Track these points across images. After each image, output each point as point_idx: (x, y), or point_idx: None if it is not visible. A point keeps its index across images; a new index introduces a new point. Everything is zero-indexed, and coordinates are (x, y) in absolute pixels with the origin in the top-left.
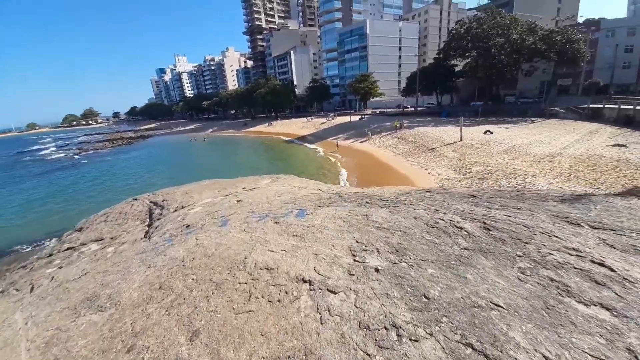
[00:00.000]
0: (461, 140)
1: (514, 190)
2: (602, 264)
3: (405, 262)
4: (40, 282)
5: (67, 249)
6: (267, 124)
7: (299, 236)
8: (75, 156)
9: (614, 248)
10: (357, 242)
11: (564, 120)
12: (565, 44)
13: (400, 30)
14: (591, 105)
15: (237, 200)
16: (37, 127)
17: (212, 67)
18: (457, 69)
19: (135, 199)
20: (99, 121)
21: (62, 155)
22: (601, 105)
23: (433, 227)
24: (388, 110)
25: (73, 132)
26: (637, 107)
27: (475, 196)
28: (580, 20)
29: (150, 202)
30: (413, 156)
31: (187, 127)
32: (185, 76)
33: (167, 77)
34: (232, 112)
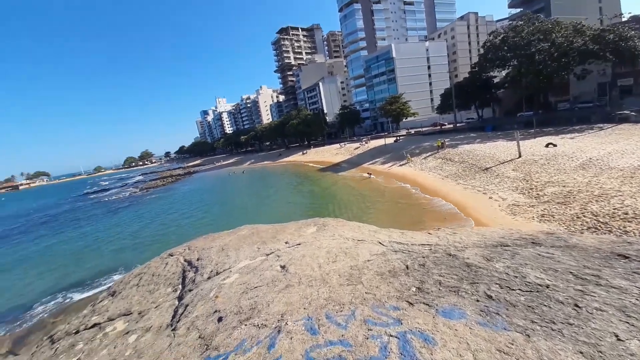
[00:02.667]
0: (520, 156)
1: None
2: None
3: None
4: None
5: (94, 325)
6: (300, 153)
7: None
8: (132, 195)
9: None
10: None
11: (638, 125)
12: (620, 42)
13: (427, 50)
14: None
15: (281, 267)
16: (102, 170)
17: (248, 105)
18: (495, 80)
19: (171, 255)
20: (153, 161)
21: (120, 196)
22: None
23: None
24: (424, 129)
25: (132, 172)
26: None
27: (627, 257)
28: (626, 17)
29: (185, 260)
30: (464, 178)
31: (227, 162)
32: (225, 115)
33: (209, 117)
34: (267, 144)
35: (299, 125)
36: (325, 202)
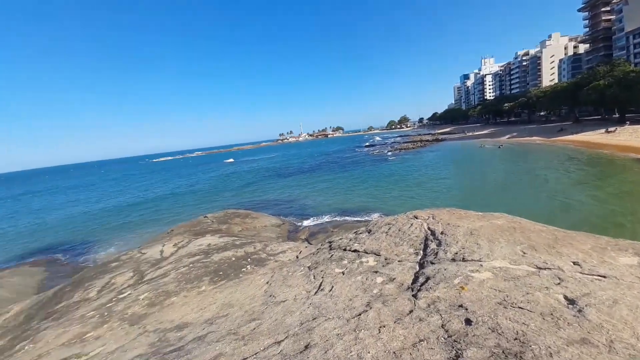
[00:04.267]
0: None
1: None
2: None
3: None
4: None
5: (355, 250)
6: (603, 130)
7: None
8: (389, 152)
9: None
10: None
11: None
12: None
13: None
14: None
15: (568, 300)
16: (372, 129)
17: (524, 63)
18: None
19: (416, 217)
20: (408, 125)
21: (382, 151)
22: None
23: None
24: None
25: (391, 134)
26: None
27: None
28: None
29: (428, 228)
30: None
31: (479, 132)
32: (488, 78)
33: (469, 82)
34: (542, 113)
35: (609, 88)
36: None
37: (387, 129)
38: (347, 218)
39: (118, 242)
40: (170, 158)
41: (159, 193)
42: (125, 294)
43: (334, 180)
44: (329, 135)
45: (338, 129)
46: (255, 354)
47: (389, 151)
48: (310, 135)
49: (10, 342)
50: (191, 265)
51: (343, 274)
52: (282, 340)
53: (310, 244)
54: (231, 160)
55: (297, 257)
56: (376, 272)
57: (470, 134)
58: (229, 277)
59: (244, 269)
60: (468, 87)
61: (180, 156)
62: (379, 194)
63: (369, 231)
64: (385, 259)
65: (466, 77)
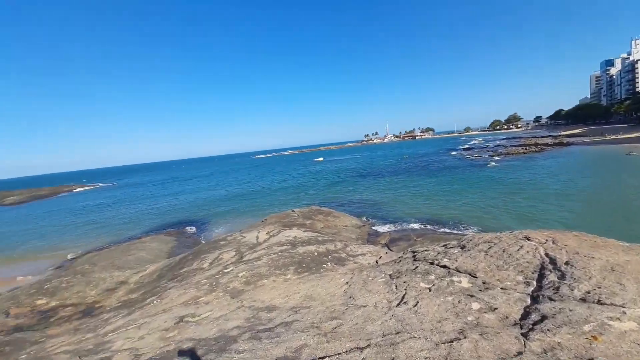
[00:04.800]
0: None
1: None
2: None
3: None
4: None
5: (444, 266)
6: None
7: None
8: (490, 158)
9: None
10: None
11: None
12: None
13: None
14: None
15: None
16: (470, 130)
17: None
18: None
19: (527, 239)
20: (519, 126)
21: (480, 156)
22: None
23: None
24: None
25: (495, 136)
26: None
27: None
28: None
29: (546, 254)
30: None
31: (626, 135)
32: None
33: (615, 69)
34: None
35: None
36: None
37: (489, 130)
38: (432, 227)
39: (225, 225)
40: (267, 155)
41: (257, 187)
42: (228, 270)
43: (420, 185)
44: (417, 137)
45: (428, 129)
46: (338, 354)
47: (490, 156)
48: (397, 136)
49: (142, 296)
50: (280, 253)
51: (429, 290)
52: (364, 348)
53: (391, 250)
54: (321, 159)
55: (377, 262)
56: (471, 296)
57: (613, 137)
58: (311, 270)
59: (325, 265)
60: (612, 76)
61: (275, 154)
62: (473, 205)
63: (463, 247)
64: (483, 283)
65: (609, 63)
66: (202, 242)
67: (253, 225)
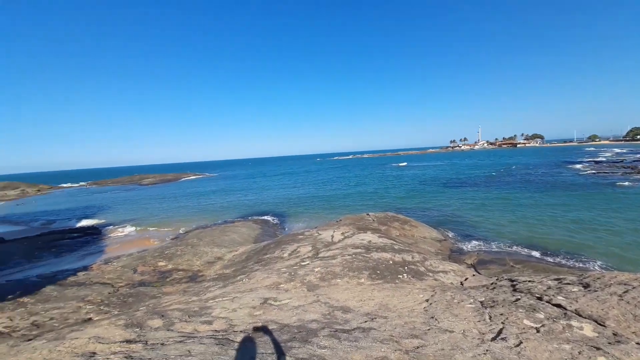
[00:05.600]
0: None
1: None
2: None
3: None
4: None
5: (558, 305)
6: None
7: None
8: (622, 176)
9: None
10: None
11: None
12: None
13: None
14: None
15: None
16: (597, 139)
17: None
18: None
19: None
20: None
21: (603, 172)
22: None
23: None
24: None
25: (637, 147)
26: None
27: None
28: None
29: None
30: None
31: None
32: None
33: None
34: None
35: None
36: None
37: (627, 140)
38: (536, 254)
39: (303, 221)
40: (346, 157)
41: (334, 187)
42: (305, 263)
43: (519, 200)
44: (518, 145)
45: (535, 137)
46: None
47: (623, 173)
48: (491, 143)
49: (234, 273)
50: (354, 255)
51: (537, 331)
52: None
53: (479, 272)
54: (404, 163)
55: (462, 283)
56: (597, 348)
57: None
58: (386, 278)
59: (400, 276)
60: None
61: (352, 156)
62: (596, 233)
63: (586, 285)
64: (614, 334)
65: None
66: (283, 233)
67: (328, 224)
